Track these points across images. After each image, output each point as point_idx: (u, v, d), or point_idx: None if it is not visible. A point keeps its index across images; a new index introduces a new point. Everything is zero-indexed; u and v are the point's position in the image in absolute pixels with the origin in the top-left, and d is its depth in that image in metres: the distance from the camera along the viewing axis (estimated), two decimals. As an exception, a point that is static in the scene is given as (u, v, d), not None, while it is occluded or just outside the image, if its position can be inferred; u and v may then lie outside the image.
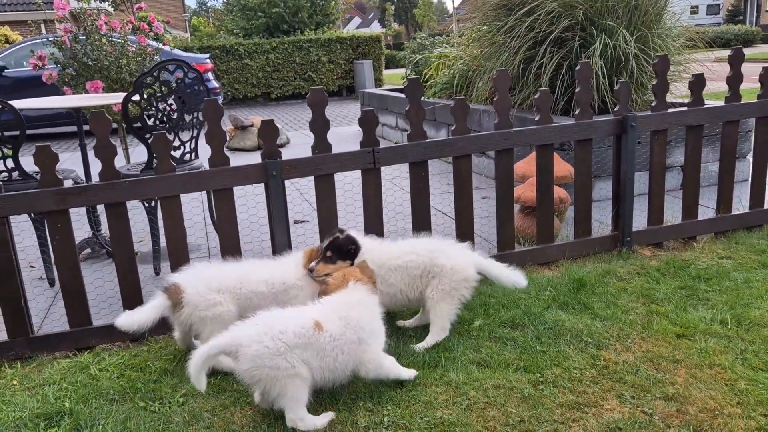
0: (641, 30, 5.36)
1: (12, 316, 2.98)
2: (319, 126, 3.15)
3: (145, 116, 3.85)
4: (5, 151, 3.75)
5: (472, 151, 3.41)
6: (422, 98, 3.38)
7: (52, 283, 3.97)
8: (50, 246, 2.99)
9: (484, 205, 5.14)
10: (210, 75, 13.06)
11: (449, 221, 4.73)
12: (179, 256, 3.11)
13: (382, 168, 3.28)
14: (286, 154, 3.19)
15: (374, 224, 3.33)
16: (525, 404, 2.35)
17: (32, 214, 3.73)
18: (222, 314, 2.68)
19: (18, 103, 3.83)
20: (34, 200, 2.88)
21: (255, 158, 3.13)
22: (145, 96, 3.81)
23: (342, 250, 2.79)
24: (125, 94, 4.02)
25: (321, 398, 2.47)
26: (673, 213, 4.17)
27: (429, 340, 2.82)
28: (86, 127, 3.50)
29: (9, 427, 2.44)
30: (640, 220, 3.91)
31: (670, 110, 3.75)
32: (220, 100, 13.24)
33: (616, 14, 5.34)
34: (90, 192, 2.95)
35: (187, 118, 4.01)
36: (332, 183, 3.23)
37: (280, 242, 3.16)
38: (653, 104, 3.74)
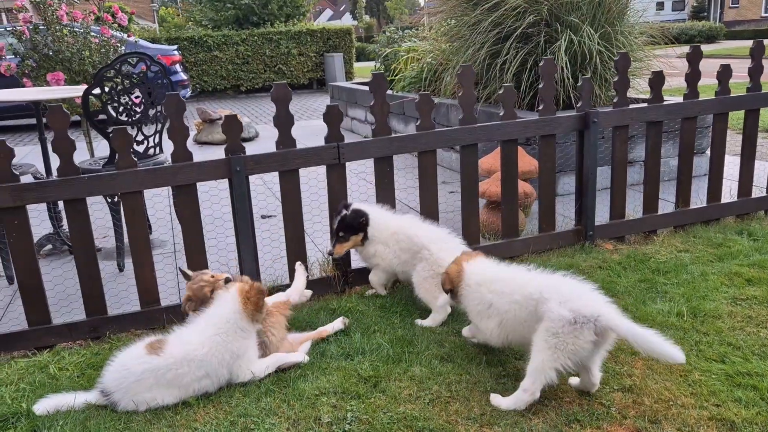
0: (605, 27, 5.43)
1: (-34, 315, 2.92)
2: (283, 121, 3.13)
3: (110, 109, 3.78)
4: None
5: (437, 147, 3.43)
6: (389, 92, 3.38)
7: (10, 281, 3.88)
8: (7, 243, 2.91)
9: (450, 199, 5.17)
10: (178, 67, 12.86)
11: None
12: (142, 253, 3.07)
13: (348, 163, 3.28)
14: (255, 147, 3.19)
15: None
16: (487, 398, 2.39)
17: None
18: None
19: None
20: (-13, 197, 2.81)
21: (223, 152, 3.09)
22: (107, 89, 3.74)
23: (353, 225, 3.05)
24: (86, 87, 3.93)
25: (286, 394, 2.47)
26: (635, 207, 4.25)
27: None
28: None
29: (-37, 429, 2.39)
30: (603, 215, 3.98)
31: (631, 106, 3.82)
32: (188, 92, 13.04)
33: (580, 11, 5.41)
34: (47, 188, 2.89)
35: (151, 111, 3.95)
36: (297, 178, 3.22)
37: (245, 239, 3.14)
38: (615, 100, 3.80)
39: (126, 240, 3.97)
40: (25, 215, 2.91)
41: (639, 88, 5.70)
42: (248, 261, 3.20)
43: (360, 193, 5.33)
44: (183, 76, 12.91)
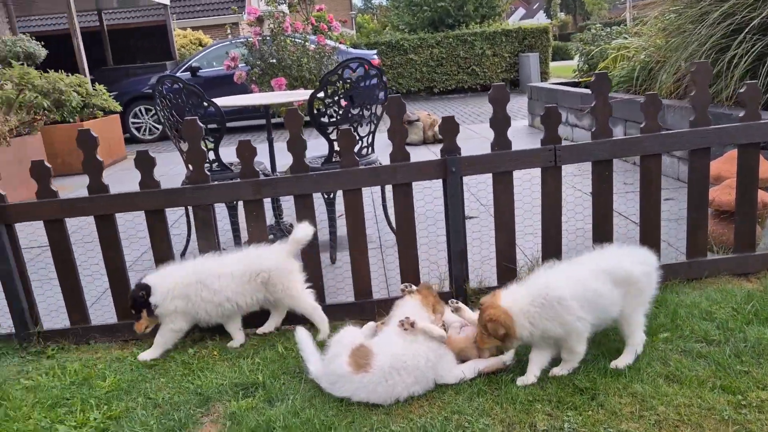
0: None
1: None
2: (500, 122, 3.12)
3: (331, 111, 4.07)
4: (208, 144, 4.16)
5: (664, 151, 3.19)
6: (590, 92, 3.20)
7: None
8: (248, 230, 3.26)
9: (665, 207, 4.77)
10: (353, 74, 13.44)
11: (628, 224, 4.47)
12: (359, 246, 3.25)
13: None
14: None
15: (553, 224, 3.24)
16: (725, 427, 2.16)
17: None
18: None
19: (219, 101, 4.22)
20: (235, 190, 3.17)
21: (420, 152, 3.17)
22: (329, 92, 4.02)
23: None
24: (311, 91, 4.27)
25: (498, 396, 2.46)
26: None
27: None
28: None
29: (213, 391, 2.72)
30: None
31: None
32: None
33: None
34: (281, 184, 3.18)
35: (366, 113, 4.17)
36: (510, 180, 3.19)
37: (456, 237, 3.18)
38: None
39: (339, 233, 4.26)
40: (262, 207, 3.24)
41: None
42: (456, 261, 3.23)
43: (567, 199, 5.15)
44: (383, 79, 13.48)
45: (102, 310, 3.73)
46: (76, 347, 3.31)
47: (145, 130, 12.66)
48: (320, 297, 3.31)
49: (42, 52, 10.54)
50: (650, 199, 3.23)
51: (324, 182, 3.15)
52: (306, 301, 3.16)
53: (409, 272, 3.27)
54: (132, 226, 4.63)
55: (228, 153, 4.26)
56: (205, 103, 4.04)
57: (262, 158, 5.30)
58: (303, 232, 3.11)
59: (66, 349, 3.29)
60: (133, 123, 12.59)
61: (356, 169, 3.13)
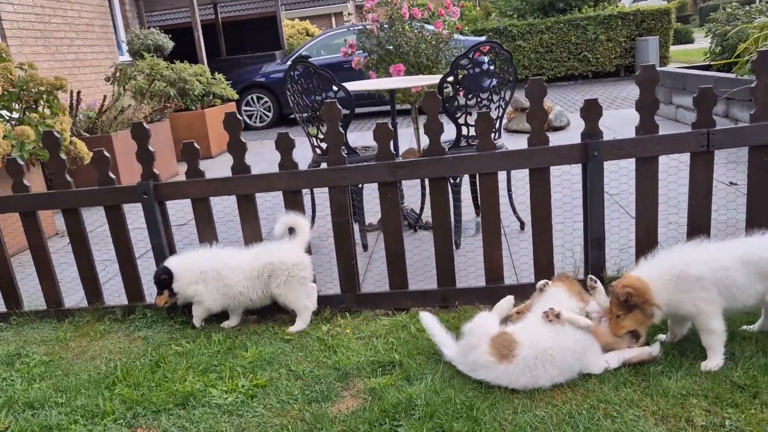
0: None
1: (345, 274, 3.40)
2: (648, 105, 2.98)
3: (461, 96, 4.05)
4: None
5: (832, 135, 2.92)
6: (731, 76, 2.97)
7: (365, 248, 4.43)
8: (381, 213, 3.31)
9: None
10: (484, 58, 13.27)
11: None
12: (493, 230, 3.23)
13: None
14: (565, 136, 3.09)
15: (702, 215, 3.06)
16: None
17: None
18: None
19: (349, 85, 4.31)
20: (372, 172, 3.22)
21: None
22: (460, 77, 4.00)
23: None
24: (439, 76, 4.26)
25: (647, 388, 2.37)
26: None
27: None
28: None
29: (351, 367, 2.80)
30: None
31: None
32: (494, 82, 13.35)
33: None
34: (418, 166, 3.20)
35: (495, 98, 4.12)
36: (656, 167, 3.04)
37: (596, 223, 3.08)
38: None
39: (465, 217, 4.24)
40: (396, 189, 3.28)
41: None
42: (594, 248, 3.14)
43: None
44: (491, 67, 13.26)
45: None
46: (216, 319, 3.51)
47: (256, 117, 13.18)
48: (452, 280, 3.32)
49: (169, 44, 11.21)
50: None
51: (460, 165, 3.14)
52: (301, 301, 3.28)
53: (544, 259, 3.21)
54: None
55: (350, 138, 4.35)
56: (335, 87, 4.13)
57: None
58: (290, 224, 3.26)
59: (207, 320, 3.50)
60: (245, 111, 13.14)
61: (494, 153, 3.09)
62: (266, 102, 13.09)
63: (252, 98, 13.14)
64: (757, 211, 3.03)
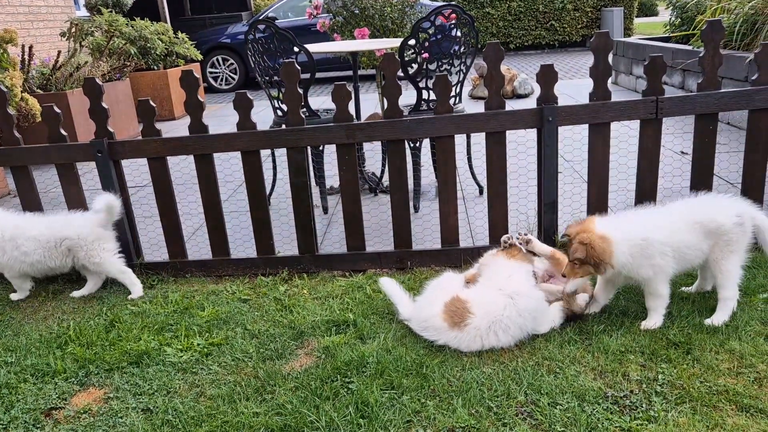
0: None
1: (303, 235, 3.41)
2: (601, 72, 3.03)
3: (419, 60, 4.04)
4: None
5: (777, 105, 3.02)
6: (688, 48, 3.03)
7: (325, 211, 4.44)
8: (339, 175, 3.32)
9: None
10: (451, 23, 13.18)
11: (725, 185, 4.30)
12: (449, 194, 3.27)
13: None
14: (530, 104, 3.14)
15: (648, 180, 3.15)
16: (833, 390, 2.10)
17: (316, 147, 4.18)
18: None
19: (311, 47, 4.26)
20: (329, 133, 3.22)
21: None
22: (422, 41, 3.99)
23: None
24: (400, 39, 4.24)
25: (589, 346, 2.46)
26: None
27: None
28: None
29: (306, 327, 2.84)
30: None
31: None
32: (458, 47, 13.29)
33: None
34: (375, 128, 3.20)
35: (455, 62, 4.12)
36: (608, 133, 3.10)
37: (549, 188, 3.15)
38: None
39: (424, 181, 4.27)
40: (354, 152, 3.28)
41: None
42: (548, 212, 3.21)
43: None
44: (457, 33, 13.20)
45: (195, 247, 3.92)
46: (174, 280, 3.50)
47: (221, 79, 12.91)
48: (407, 243, 3.36)
49: (129, 0, 10.83)
50: (756, 153, 3.08)
51: (417, 128, 3.16)
52: (114, 267, 3.33)
53: (499, 222, 3.27)
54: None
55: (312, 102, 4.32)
56: (296, 49, 4.08)
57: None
58: (105, 202, 3.24)
59: (165, 281, 3.49)
60: (210, 72, 12.86)
61: (451, 116, 3.11)
62: (232, 64, 12.83)
63: (217, 59, 12.85)
64: (700, 177, 3.13)
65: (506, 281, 2.58)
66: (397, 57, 3.09)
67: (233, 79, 12.86)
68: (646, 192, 3.15)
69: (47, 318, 3.16)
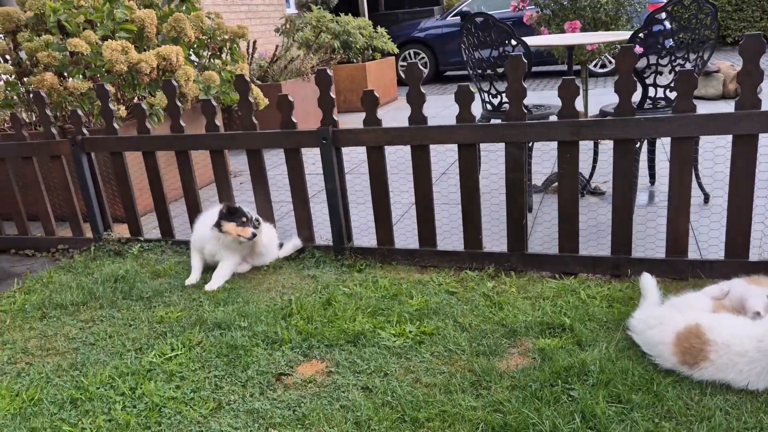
0: None
1: (514, 231, 3.33)
2: None
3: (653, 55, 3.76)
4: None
5: None
6: None
7: (530, 210, 4.32)
8: (558, 173, 3.19)
9: None
10: (662, 15, 12.17)
11: None
12: (682, 200, 2.99)
13: None
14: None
15: None
16: None
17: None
18: None
19: (529, 40, 4.15)
20: (553, 130, 3.10)
21: (718, 107, 2.75)
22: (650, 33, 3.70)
23: None
24: (626, 32, 3.97)
25: None
26: None
27: None
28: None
29: (520, 326, 2.76)
30: None
31: None
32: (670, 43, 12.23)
33: None
34: (604, 126, 3.02)
35: (692, 56, 3.77)
36: None
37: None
38: None
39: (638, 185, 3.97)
40: (577, 150, 3.13)
41: None
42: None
43: None
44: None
45: (399, 236, 4.01)
46: (381, 266, 3.61)
47: (413, 73, 13.20)
48: (627, 249, 3.14)
49: (335, -3, 11.49)
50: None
51: (652, 127, 2.92)
52: None
53: (738, 236, 2.93)
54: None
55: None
56: (513, 42, 3.99)
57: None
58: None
59: (372, 266, 3.61)
60: (402, 66, 13.21)
61: (693, 115, 2.84)
62: (423, 58, 13.06)
63: (409, 53, 13.16)
64: None
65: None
66: (633, 50, 2.88)
67: (423, 72, 13.09)
68: None
69: (270, 290, 3.42)
